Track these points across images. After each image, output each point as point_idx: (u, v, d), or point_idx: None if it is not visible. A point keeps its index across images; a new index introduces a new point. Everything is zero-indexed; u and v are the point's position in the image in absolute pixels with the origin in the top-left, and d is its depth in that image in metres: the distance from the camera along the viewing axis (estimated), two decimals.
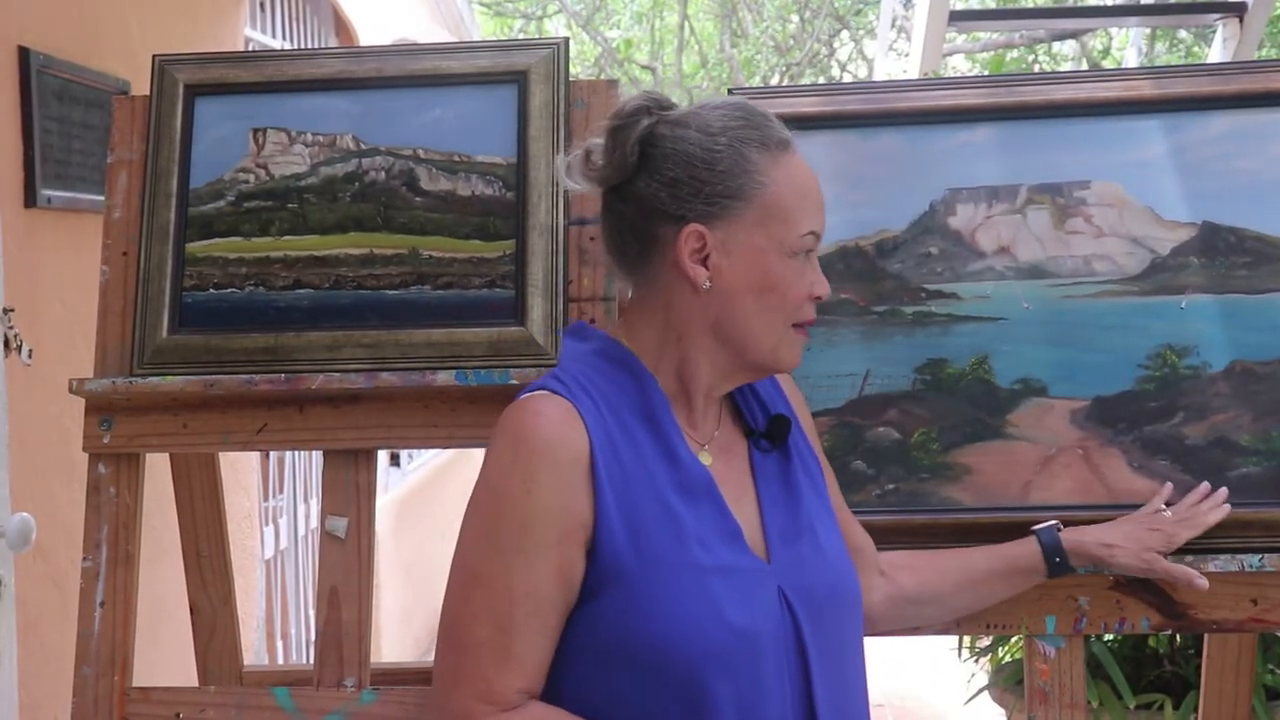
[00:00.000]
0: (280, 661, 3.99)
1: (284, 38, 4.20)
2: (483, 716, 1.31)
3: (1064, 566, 1.66)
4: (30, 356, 1.84)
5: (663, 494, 1.34)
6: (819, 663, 1.36)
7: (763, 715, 1.32)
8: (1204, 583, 1.66)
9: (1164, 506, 1.71)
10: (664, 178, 1.37)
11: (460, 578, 1.35)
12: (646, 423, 1.38)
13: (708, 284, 1.36)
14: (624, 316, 1.46)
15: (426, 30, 6.16)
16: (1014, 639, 3.17)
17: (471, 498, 1.37)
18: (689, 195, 1.36)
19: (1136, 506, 1.72)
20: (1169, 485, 1.73)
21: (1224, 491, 1.72)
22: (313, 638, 2.87)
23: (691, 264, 1.36)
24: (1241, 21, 4.86)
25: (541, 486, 1.31)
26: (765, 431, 1.47)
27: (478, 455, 1.43)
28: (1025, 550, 1.66)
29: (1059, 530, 1.67)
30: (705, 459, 1.40)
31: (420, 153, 1.95)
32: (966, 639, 3.32)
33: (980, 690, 3.22)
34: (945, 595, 1.65)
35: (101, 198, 2.03)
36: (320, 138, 1.97)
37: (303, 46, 4.34)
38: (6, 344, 1.80)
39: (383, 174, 1.95)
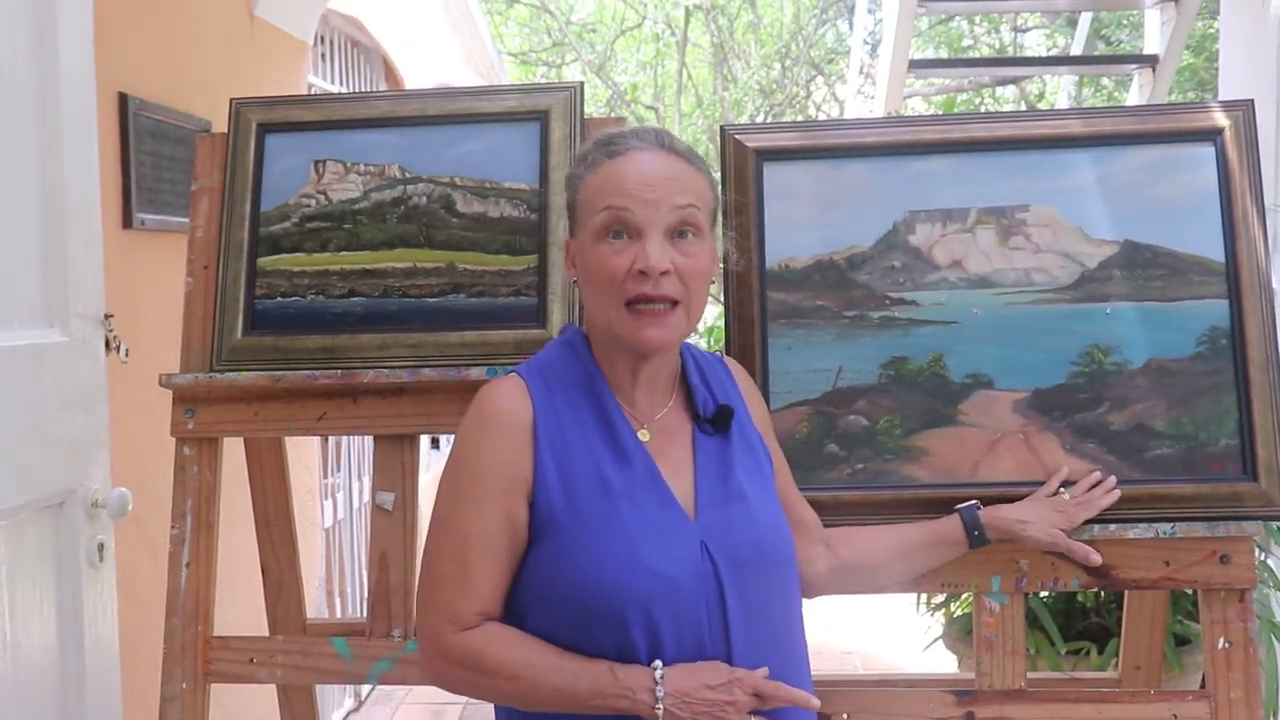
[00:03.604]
0: (338, 615, 3.99)
1: (341, 83, 4.20)
2: (447, 634, 1.36)
3: (981, 539, 1.65)
4: (126, 355, 1.84)
5: (598, 459, 1.37)
6: (737, 609, 1.35)
7: (680, 649, 1.32)
8: (1097, 558, 1.66)
9: (1062, 488, 1.71)
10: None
11: (432, 525, 1.40)
12: (592, 401, 1.41)
13: (574, 280, 1.44)
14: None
15: (462, 75, 6.15)
16: (964, 596, 3.16)
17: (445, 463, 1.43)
18: (569, 219, 1.47)
19: (1068, 483, 1.72)
20: (1064, 469, 1.72)
21: (1113, 479, 1.71)
22: (366, 595, 2.87)
23: (568, 268, 1.46)
24: (1154, 71, 4.85)
25: (490, 446, 1.37)
26: (710, 418, 1.46)
27: None
28: (950, 525, 1.66)
29: (978, 509, 1.66)
30: (644, 435, 1.41)
31: (457, 180, 1.94)
32: (924, 596, 3.31)
33: (935, 640, 3.21)
34: (881, 564, 1.64)
35: (186, 220, 2.03)
36: (371, 168, 1.97)
37: (356, 90, 4.34)
38: (107, 344, 1.80)
39: (424, 199, 1.95)
